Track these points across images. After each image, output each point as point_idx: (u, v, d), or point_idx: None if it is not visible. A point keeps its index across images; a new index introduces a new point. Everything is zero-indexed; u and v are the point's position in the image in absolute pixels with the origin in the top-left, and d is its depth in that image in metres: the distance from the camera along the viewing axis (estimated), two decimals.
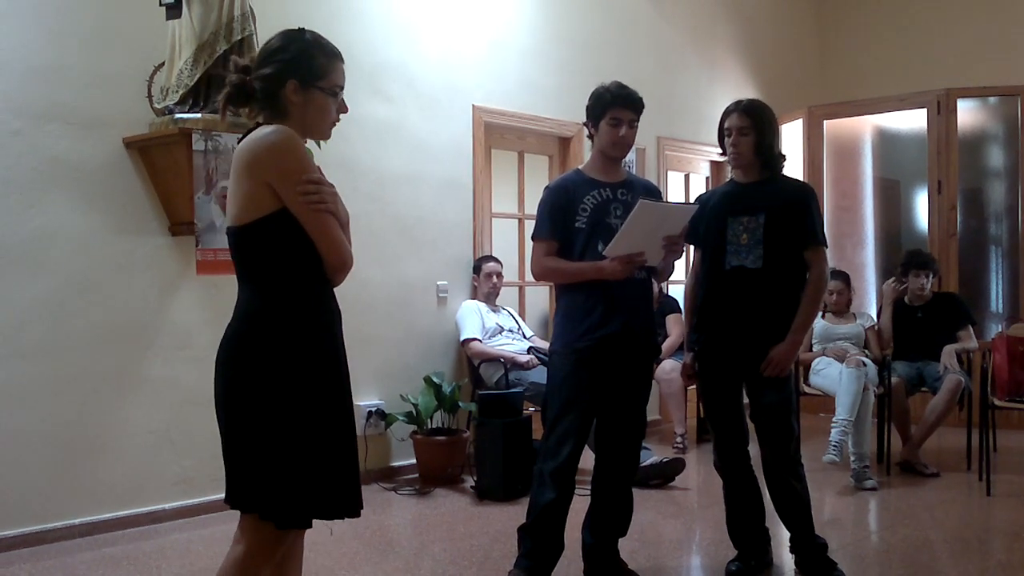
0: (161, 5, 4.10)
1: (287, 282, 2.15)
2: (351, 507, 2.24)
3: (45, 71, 4.03)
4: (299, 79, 2.18)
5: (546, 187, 3.53)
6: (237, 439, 2.15)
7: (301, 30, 2.26)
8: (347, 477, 2.22)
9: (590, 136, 3.42)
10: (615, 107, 3.31)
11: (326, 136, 2.28)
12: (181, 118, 4.06)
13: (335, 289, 2.28)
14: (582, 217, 3.33)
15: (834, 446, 5.05)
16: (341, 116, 2.29)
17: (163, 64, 4.20)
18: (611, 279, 3.22)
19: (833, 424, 5.12)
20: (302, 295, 2.17)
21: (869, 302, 7.38)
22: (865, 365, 5.23)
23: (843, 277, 5.83)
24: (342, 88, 2.27)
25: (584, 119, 3.43)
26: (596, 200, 3.34)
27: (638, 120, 3.36)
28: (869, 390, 5.20)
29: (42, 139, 4.02)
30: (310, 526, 2.21)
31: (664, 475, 5.01)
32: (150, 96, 4.24)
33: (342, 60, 2.27)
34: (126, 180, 4.25)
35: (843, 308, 5.74)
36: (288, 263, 2.15)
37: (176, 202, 4.25)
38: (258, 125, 2.21)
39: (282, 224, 2.11)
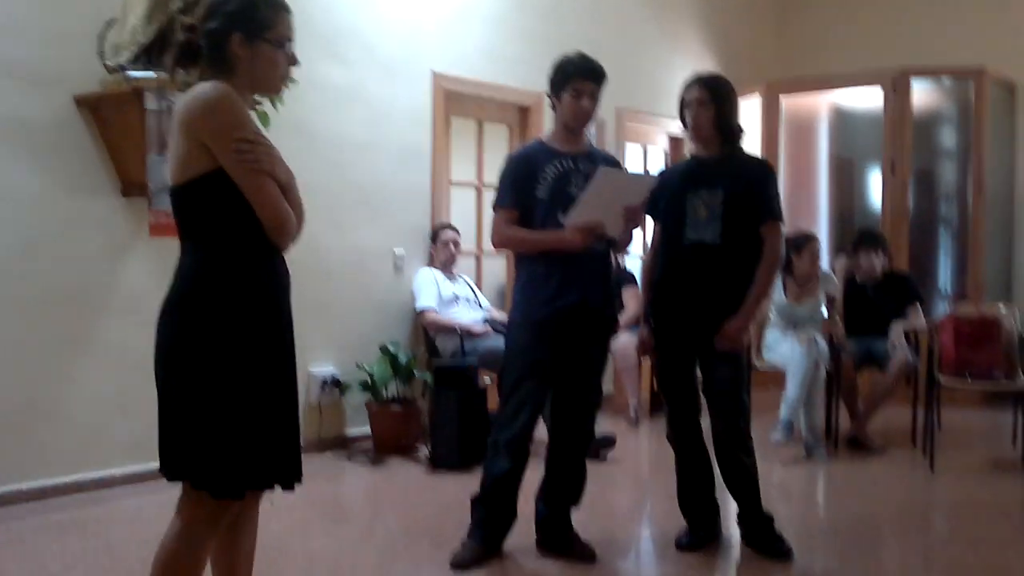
0: None
1: (229, 244, 2.12)
2: (288, 477, 2.21)
3: None
4: (244, 32, 2.14)
5: (507, 156, 3.53)
6: (172, 404, 2.11)
7: None
8: (285, 446, 2.19)
9: (552, 106, 3.42)
10: (577, 78, 3.31)
11: (277, 90, 2.24)
12: (134, 76, 3.98)
13: (290, 255, 2.25)
14: (543, 187, 3.33)
15: (784, 425, 5.12)
16: (292, 70, 2.25)
17: (115, 20, 4.10)
18: (570, 249, 3.23)
19: (783, 402, 5.19)
20: (244, 257, 2.13)
21: None
22: (817, 343, 5.27)
23: (815, 242, 5.59)
24: (290, 40, 2.23)
25: (545, 89, 3.42)
26: (557, 170, 3.35)
27: (600, 91, 3.36)
28: (820, 367, 5.26)
29: None
30: (242, 496, 2.16)
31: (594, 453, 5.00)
32: (102, 53, 4.14)
33: (288, 11, 2.23)
34: (77, 139, 4.17)
35: (811, 272, 5.47)
36: (228, 224, 2.11)
37: (128, 162, 4.17)
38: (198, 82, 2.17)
39: (219, 184, 2.07)
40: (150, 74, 3.96)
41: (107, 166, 4.24)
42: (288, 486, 2.21)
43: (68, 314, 4.16)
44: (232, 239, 2.12)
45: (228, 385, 2.09)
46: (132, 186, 4.22)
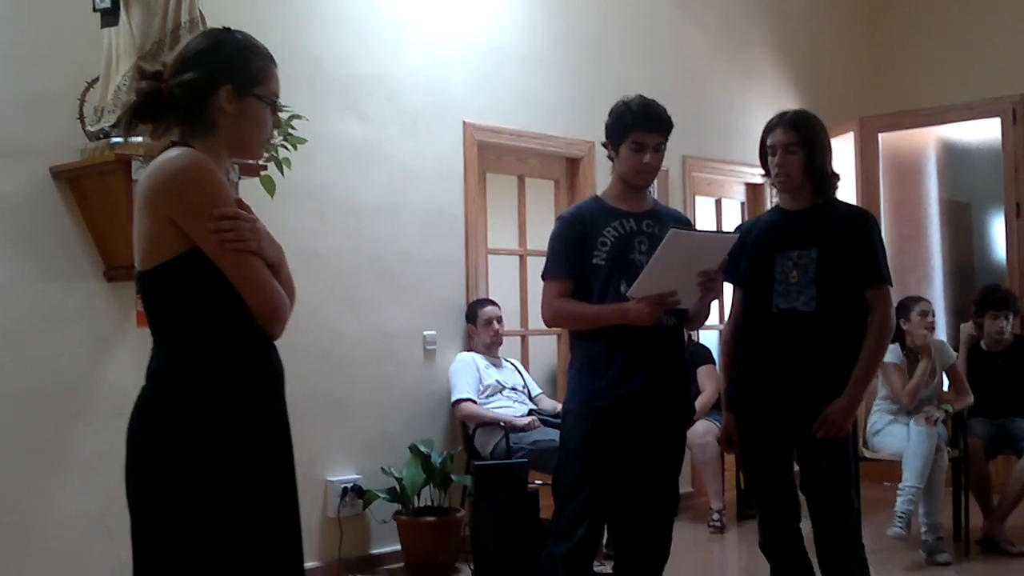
0: (95, 10, 4.12)
1: (212, 336, 2.11)
2: None
3: None
4: (234, 85, 2.17)
5: (559, 217, 3.55)
6: (145, 531, 2.08)
7: (229, 29, 2.27)
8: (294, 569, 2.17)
9: (610, 158, 3.44)
10: (638, 129, 3.33)
11: (259, 155, 2.32)
12: (118, 143, 4.07)
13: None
14: (601, 252, 3.34)
15: (900, 517, 5.04)
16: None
17: (97, 80, 4.22)
18: (636, 324, 3.21)
19: (899, 492, 5.12)
20: (232, 351, 2.12)
21: None
22: (937, 422, 5.20)
23: (927, 300, 5.67)
24: (278, 97, 2.27)
25: (598, 137, 3.45)
26: (618, 232, 3.35)
27: (665, 143, 3.38)
28: (942, 451, 5.20)
29: None
30: None
31: None
32: (82, 118, 4.25)
33: (276, 65, 2.28)
34: (54, 217, 4.25)
35: (928, 338, 5.46)
36: (207, 313, 2.11)
37: (113, 242, 4.24)
38: (170, 147, 2.17)
39: (194, 267, 2.08)
40: (138, 139, 4.05)
41: (88, 247, 4.32)
42: None
43: (45, 420, 4.20)
44: (214, 330, 2.11)
45: (214, 507, 2.06)
46: (117, 269, 4.28)
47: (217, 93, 2.16)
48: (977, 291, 6.13)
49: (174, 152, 2.11)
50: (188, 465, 2.05)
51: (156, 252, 2.09)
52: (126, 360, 4.41)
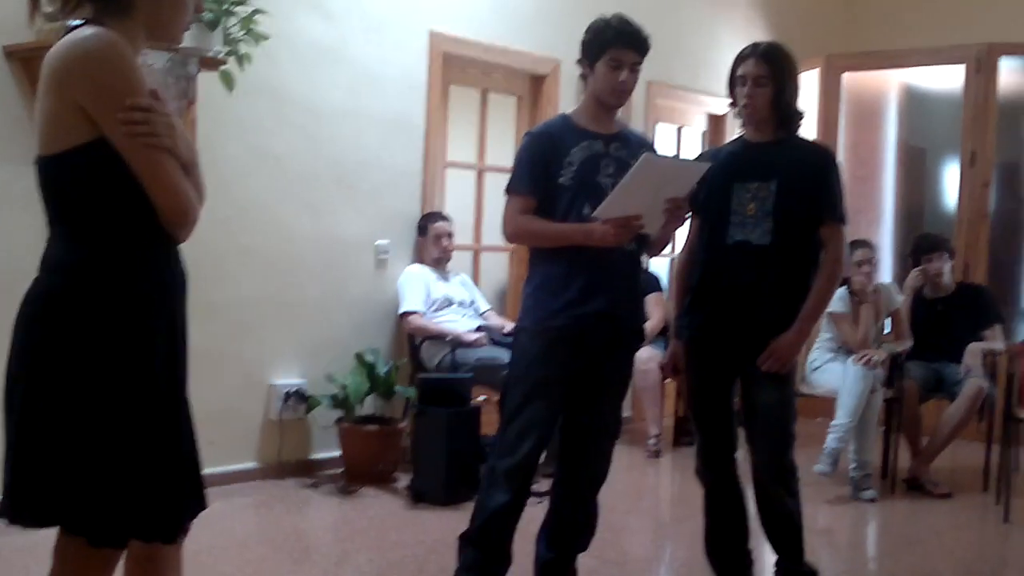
0: None
1: (111, 231, 2.02)
2: (175, 520, 2.12)
3: None
4: None
5: (527, 133, 3.54)
6: (30, 426, 2.00)
7: None
8: (179, 482, 2.10)
9: (583, 76, 3.42)
10: (617, 46, 3.30)
11: (178, 40, 2.18)
12: (75, 25, 3.97)
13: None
14: (568, 172, 3.33)
15: (828, 454, 5.16)
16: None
17: None
18: (600, 246, 3.22)
19: (831, 429, 5.22)
20: (130, 249, 2.04)
21: None
22: (876, 366, 5.30)
23: (870, 245, 5.74)
24: None
25: (565, 55, 3.42)
26: (585, 153, 3.34)
27: (641, 64, 3.36)
28: (877, 392, 5.30)
29: None
30: (123, 545, 2.08)
31: None
32: None
33: None
34: (5, 97, 4.18)
35: (867, 285, 5.59)
36: (111, 208, 2.01)
37: None
38: (80, 26, 2.03)
39: (100, 157, 1.97)
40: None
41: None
42: (170, 533, 2.11)
43: None
44: (115, 226, 2.02)
45: (104, 407, 1.99)
46: None
47: None
48: (912, 240, 6.21)
49: (87, 31, 1.97)
50: (89, 359, 1.98)
51: (59, 138, 1.98)
52: None
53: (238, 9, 4.32)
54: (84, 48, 1.96)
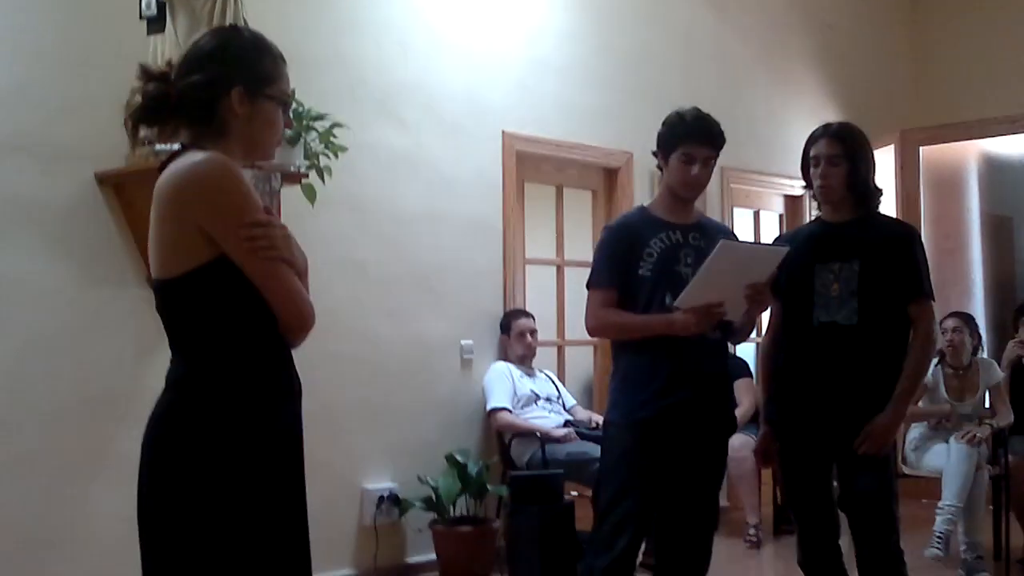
0: (141, 18, 4.19)
1: (230, 345, 2.07)
2: None
3: (6, 95, 4.10)
4: (245, 86, 2.11)
5: (606, 226, 3.57)
6: (156, 539, 2.04)
7: (237, 27, 2.24)
8: None
9: (659, 167, 3.45)
10: (689, 141, 3.34)
11: (271, 156, 2.24)
12: (163, 149, 4.10)
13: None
14: (647, 263, 3.34)
15: (938, 537, 5.01)
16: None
17: None
18: (682, 335, 3.21)
19: (938, 511, 5.09)
20: (247, 362, 2.08)
21: None
22: (980, 443, 5.17)
23: (963, 316, 5.71)
24: (290, 96, 2.24)
25: (637, 148, 3.46)
26: (664, 244, 3.36)
27: (716, 158, 3.39)
28: (983, 469, 5.18)
29: (2, 174, 4.08)
30: None
31: None
32: (127, 124, 4.29)
33: (286, 63, 2.23)
34: (98, 222, 4.30)
35: (960, 358, 5.54)
36: (230, 322, 2.06)
37: None
38: (181, 150, 2.12)
39: (221, 275, 2.03)
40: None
41: (132, 252, 4.36)
42: None
43: (88, 424, 4.24)
44: (236, 340, 2.06)
45: (227, 520, 2.02)
46: None
47: (228, 95, 2.10)
48: (1017, 304, 6.09)
49: (199, 156, 2.04)
50: (199, 475, 2.02)
51: (181, 260, 2.04)
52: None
53: (317, 124, 4.44)
54: (199, 172, 2.02)
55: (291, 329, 2.12)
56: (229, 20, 4.14)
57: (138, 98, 2.15)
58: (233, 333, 2.07)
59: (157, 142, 2.17)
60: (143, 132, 2.24)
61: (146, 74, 2.15)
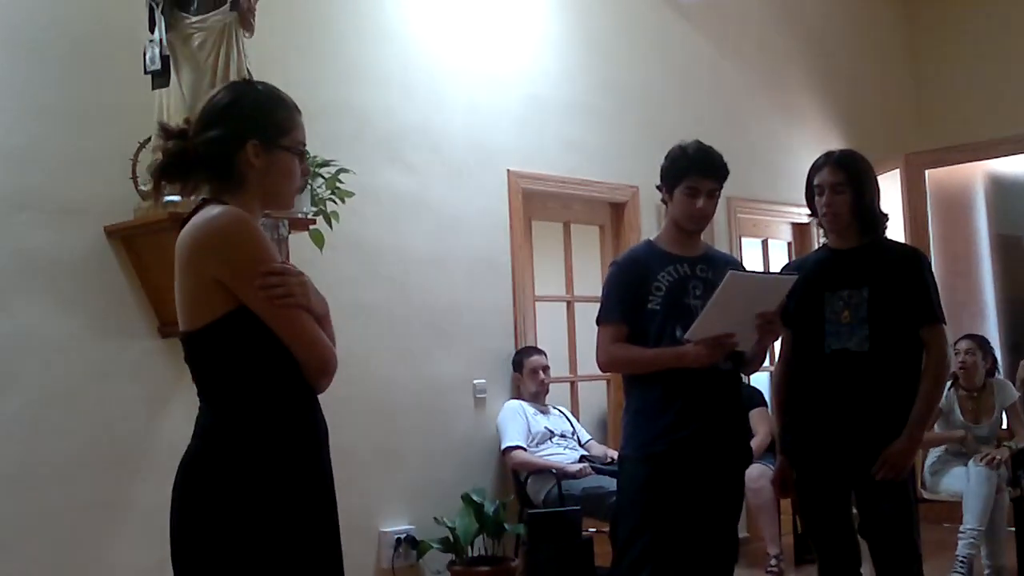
0: (146, 73, 4.22)
1: (256, 393, 2.11)
2: None
3: (14, 152, 4.14)
4: (260, 138, 2.17)
5: (613, 262, 3.58)
6: None
7: (250, 81, 2.29)
8: None
9: (664, 201, 3.46)
10: (692, 174, 3.36)
11: (290, 205, 2.30)
12: (171, 201, 4.12)
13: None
14: (656, 297, 3.35)
15: (961, 562, 5.00)
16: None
17: (149, 140, 4.30)
18: (694, 367, 3.21)
19: (960, 535, 5.07)
20: (273, 409, 2.12)
21: None
22: (999, 465, 5.14)
23: (976, 339, 5.71)
24: (305, 145, 2.28)
25: (642, 182, 3.48)
26: (672, 277, 3.37)
27: (720, 190, 3.41)
28: (1003, 492, 5.16)
29: (11, 229, 4.11)
30: None
31: None
32: (135, 177, 4.32)
33: (300, 113, 2.28)
34: (108, 275, 4.32)
35: (973, 380, 5.54)
36: (254, 370, 2.11)
37: (167, 298, 4.24)
38: (201, 204, 2.18)
39: (242, 325, 2.07)
40: (190, 199, 4.11)
41: (142, 304, 4.38)
42: None
43: (102, 474, 4.24)
44: (261, 388, 2.11)
45: (261, 566, 2.05)
46: (172, 325, 4.28)
47: (244, 148, 2.16)
48: None
49: (215, 210, 2.10)
50: (230, 523, 2.05)
51: (202, 312, 2.09)
52: (182, 415, 4.41)
53: (323, 170, 4.47)
54: (212, 226, 2.08)
55: (314, 374, 2.15)
56: (233, 72, 4.18)
57: (159, 156, 2.23)
58: (258, 381, 2.11)
59: (181, 195, 2.22)
60: (166, 188, 2.27)
61: (165, 132, 2.23)
